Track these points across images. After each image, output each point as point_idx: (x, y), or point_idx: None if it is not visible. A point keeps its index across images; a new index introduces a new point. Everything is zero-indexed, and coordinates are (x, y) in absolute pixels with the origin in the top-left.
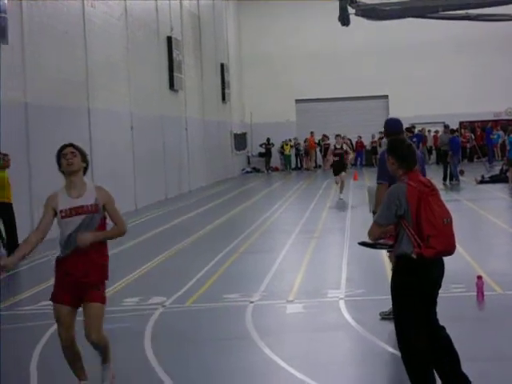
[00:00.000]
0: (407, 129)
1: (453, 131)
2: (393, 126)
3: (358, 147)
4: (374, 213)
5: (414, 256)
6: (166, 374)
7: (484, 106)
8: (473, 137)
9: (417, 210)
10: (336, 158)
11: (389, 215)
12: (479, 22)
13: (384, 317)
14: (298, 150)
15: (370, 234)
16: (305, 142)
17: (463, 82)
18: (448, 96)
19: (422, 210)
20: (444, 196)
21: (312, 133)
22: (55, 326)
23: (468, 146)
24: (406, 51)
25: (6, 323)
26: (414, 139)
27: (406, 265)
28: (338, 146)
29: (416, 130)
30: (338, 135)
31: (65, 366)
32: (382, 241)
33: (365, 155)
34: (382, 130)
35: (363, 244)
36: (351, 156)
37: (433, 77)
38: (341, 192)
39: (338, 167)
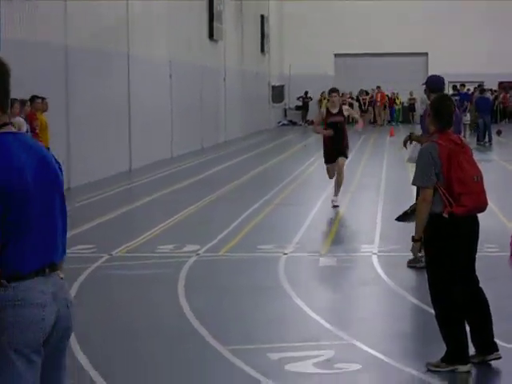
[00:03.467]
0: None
1: (481, 91)
2: (434, 83)
3: (390, 104)
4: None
5: (446, 215)
6: (198, 321)
7: None
8: None
9: (447, 169)
10: (330, 131)
11: (431, 175)
12: None
13: (410, 265)
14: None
15: (424, 200)
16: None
17: (504, 40)
18: (487, 55)
19: (452, 169)
20: (479, 156)
21: (379, 87)
22: (90, 270)
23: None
24: (448, 9)
25: None
26: (457, 98)
27: (437, 223)
28: (335, 111)
29: (465, 89)
30: (333, 90)
31: (99, 307)
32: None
33: (402, 112)
34: (420, 87)
35: (401, 218)
36: (360, 124)
37: (473, 35)
38: (336, 193)
39: (333, 148)
